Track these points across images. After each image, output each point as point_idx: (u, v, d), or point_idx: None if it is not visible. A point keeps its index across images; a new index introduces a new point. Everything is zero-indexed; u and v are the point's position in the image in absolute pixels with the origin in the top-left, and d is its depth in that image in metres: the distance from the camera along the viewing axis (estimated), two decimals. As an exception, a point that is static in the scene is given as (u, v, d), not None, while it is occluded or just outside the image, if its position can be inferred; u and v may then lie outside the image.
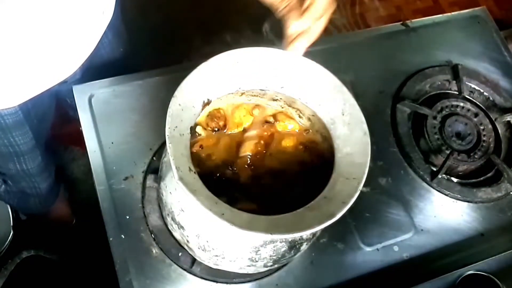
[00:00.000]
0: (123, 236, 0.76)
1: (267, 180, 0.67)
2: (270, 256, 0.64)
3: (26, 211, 1.31)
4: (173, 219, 0.67)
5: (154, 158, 0.82)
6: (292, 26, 0.53)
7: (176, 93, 0.59)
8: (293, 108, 0.69)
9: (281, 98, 0.68)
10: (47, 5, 0.65)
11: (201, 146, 0.66)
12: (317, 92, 0.64)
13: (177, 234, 0.70)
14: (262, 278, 0.77)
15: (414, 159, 0.89)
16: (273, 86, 0.65)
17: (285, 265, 0.78)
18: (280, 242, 0.62)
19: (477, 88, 0.98)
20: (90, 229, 1.00)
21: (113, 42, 0.92)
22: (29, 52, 0.70)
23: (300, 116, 0.70)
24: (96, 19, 0.80)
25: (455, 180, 0.90)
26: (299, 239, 0.65)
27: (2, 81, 0.73)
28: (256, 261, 0.65)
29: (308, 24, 0.53)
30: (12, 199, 1.20)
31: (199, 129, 0.67)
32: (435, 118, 0.92)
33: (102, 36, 0.84)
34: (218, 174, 0.66)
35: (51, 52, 0.73)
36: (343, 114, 0.63)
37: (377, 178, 0.87)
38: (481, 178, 0.92)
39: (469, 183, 0.91)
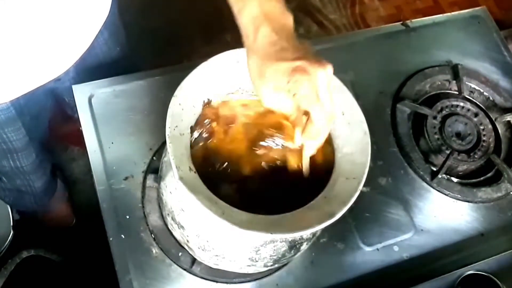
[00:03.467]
0: (123, 236, 0.76)
1: (268, 180, 0.67)
2: (270, 256, 0.64)
3: (21, 209, 1.31)
4: (173, 218, 0.67)
5: (154, 158, 0.82)
6: (296, 140, 0.60)
7: (177, 92, 0.59)
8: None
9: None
10: (41, 1, 0.65)
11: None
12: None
13: (177, 234, 0.70)
14: (262, 278, 0.77)
15: (414, 159, 0.89)
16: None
17: (285, 265, 0.78)
18: (280, 241, 0.62)
19: (477, 88, 0.98)
20: (90, 229, 0.99)
21: (109, 41, 0.91)
22: (21, 48, 0.70)
23: None
24: (91, 16, 0.79)
25: (455, 180, 0.90)
26: (299, 238, 0.65)
27: None
28: (256, 261, 0.65)
29: (305, 141, 0.60)
30: (8, 197, 1.20)
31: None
32: (435, 118, 0.92)
33: (97, 35, 0.83)
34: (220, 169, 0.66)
35: (44, 48, 0.73)
36: (343, 114, 0.63)
37: (377, 178, 0.87)
38: (481, 178, 0.92)
39: (469, 183, 0.91)
